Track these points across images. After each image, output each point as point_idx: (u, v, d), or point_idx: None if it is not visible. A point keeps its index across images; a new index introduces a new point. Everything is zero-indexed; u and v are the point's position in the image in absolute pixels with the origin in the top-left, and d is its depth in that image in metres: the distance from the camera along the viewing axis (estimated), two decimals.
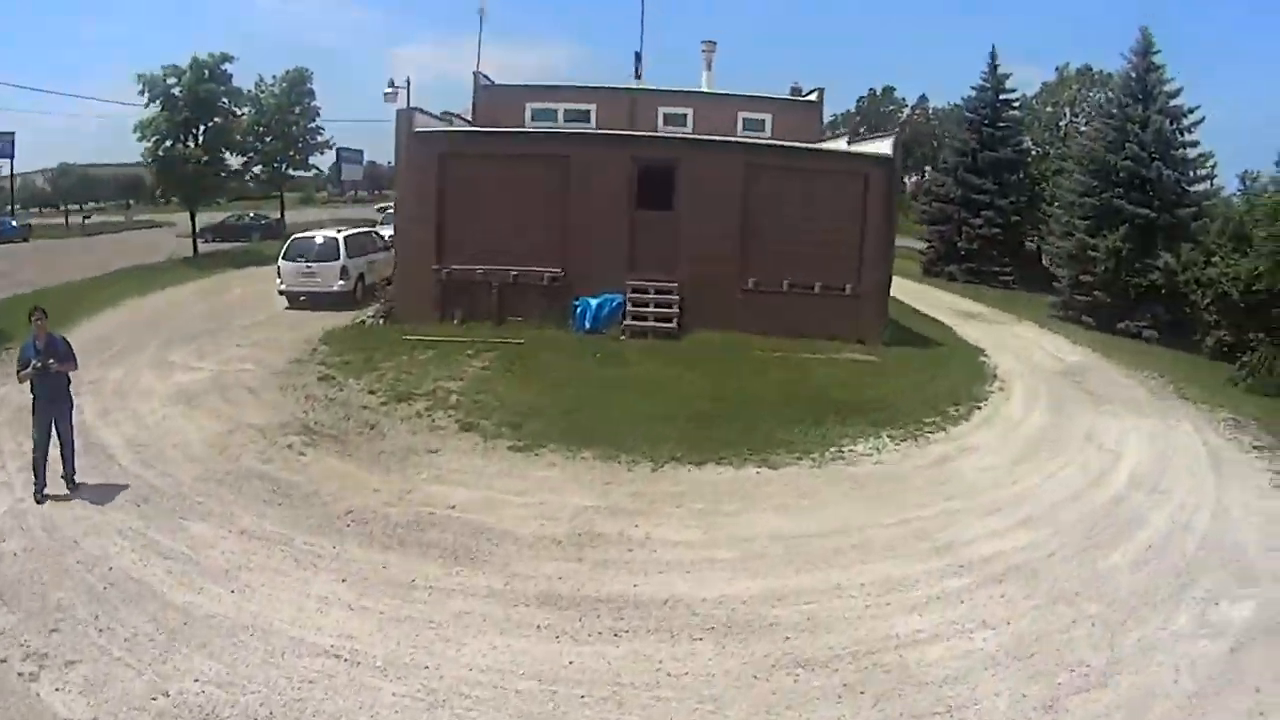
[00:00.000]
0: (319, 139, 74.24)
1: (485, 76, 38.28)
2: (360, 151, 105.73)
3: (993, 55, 63.01)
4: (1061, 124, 75.80)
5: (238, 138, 58.56)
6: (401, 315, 28.98)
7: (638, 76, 39.35)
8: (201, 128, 51.56)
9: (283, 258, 33.50)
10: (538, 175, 28.57)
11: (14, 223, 72.36)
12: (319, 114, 72.83)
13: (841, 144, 34.18)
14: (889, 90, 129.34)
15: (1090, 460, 19.81)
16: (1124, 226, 43.30)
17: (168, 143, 50.23)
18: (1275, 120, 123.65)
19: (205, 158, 51.30)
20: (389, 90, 38.57)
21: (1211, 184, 47.24)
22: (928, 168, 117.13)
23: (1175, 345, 39.68)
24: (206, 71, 50.93)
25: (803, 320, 28.23)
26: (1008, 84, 63.05)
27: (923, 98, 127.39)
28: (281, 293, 33.28)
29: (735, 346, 26.85)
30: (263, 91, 70.02)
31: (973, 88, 63.82)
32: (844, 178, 29.14)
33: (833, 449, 19.08)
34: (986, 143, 60.82)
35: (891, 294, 31.02)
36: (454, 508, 15.23)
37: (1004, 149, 60.89)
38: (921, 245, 65.92)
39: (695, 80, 40.81)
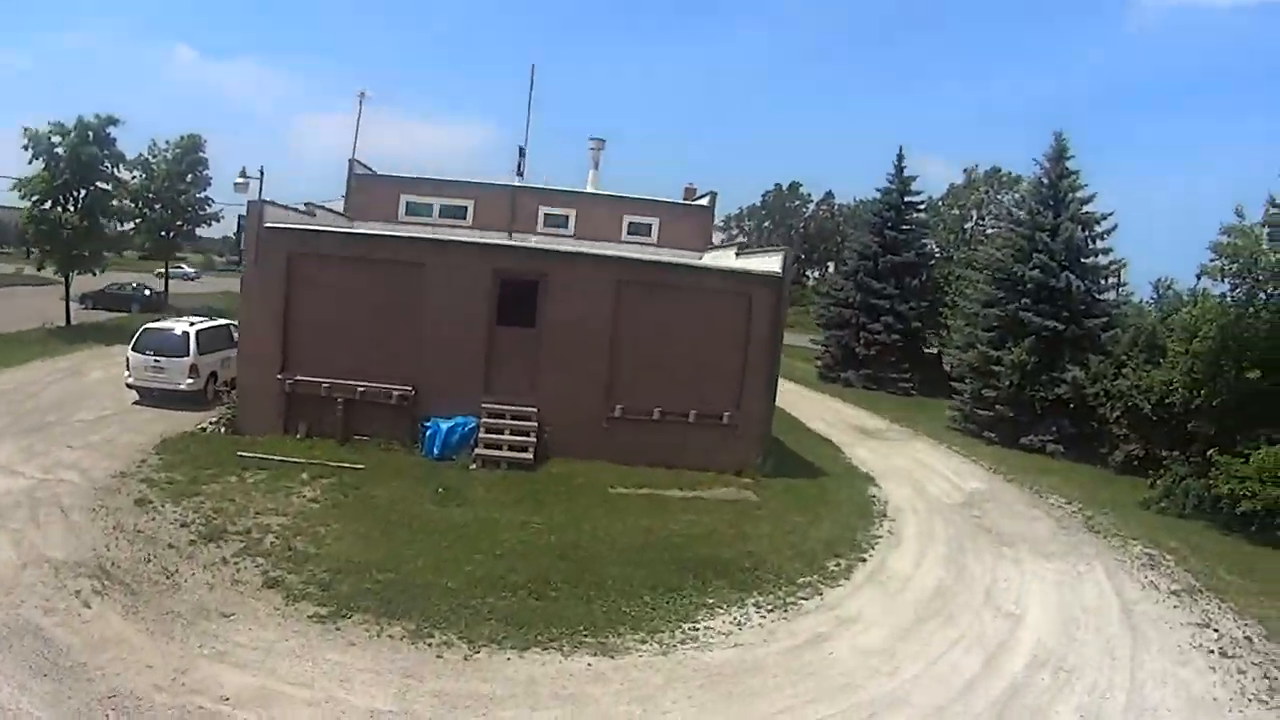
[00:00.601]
0: (208, 210, 71.57)
1: (362, 164, 35.84)
2: (316, 204, 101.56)
3: (899, 156, 62.10)
4: (967, 226, 74.88)
5: (118, 204, 55.38)
6: (244, 424, 26.31)
7: (520, 173, 37.29)
8: (81, 192, 48.63)
9: (132, 348, 30.87)
10: (392, 282, 26.12)
11: None
12: (210, 183, 70.26)
13: (730, 256, 32.02)
14: (795, 186, 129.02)
15: (988, 630, 17.68)
16: (1030, 339, 41.75)
17: (46, 204, 47.58)
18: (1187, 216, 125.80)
19: (84, 223, 48.35)
20: (239, 180, 35.90)
21: (1119, 292, 46.23)
22: (830, 264, 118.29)
23: (1082, 459, 38.78)
24: (90, 134, 48.20)
25: (675, 451, 26.08)
26: (914, 185, 62.32)
27: (829, 194, 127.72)
28: (130, 386, 30.60)
29: (595, 483, 24.33)
30: (154, 156, 67.28)
31: (878, 189, 62.97)
32: (727, 298, 27.05)
33: (686, 625, 16.47)
34: (890, 246, 59.58)
35: (783, 405, 29.33)
36: (227, 700, 12.60)
37: (907, 252, 59.71)
38: (819, 347, 64.39)
39: (584, 177, 38.77)
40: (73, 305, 53.63)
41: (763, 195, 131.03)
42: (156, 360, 30.37)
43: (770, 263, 27.73)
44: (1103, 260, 45.06)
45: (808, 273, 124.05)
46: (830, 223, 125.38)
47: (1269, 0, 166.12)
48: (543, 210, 34.81)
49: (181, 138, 67.64)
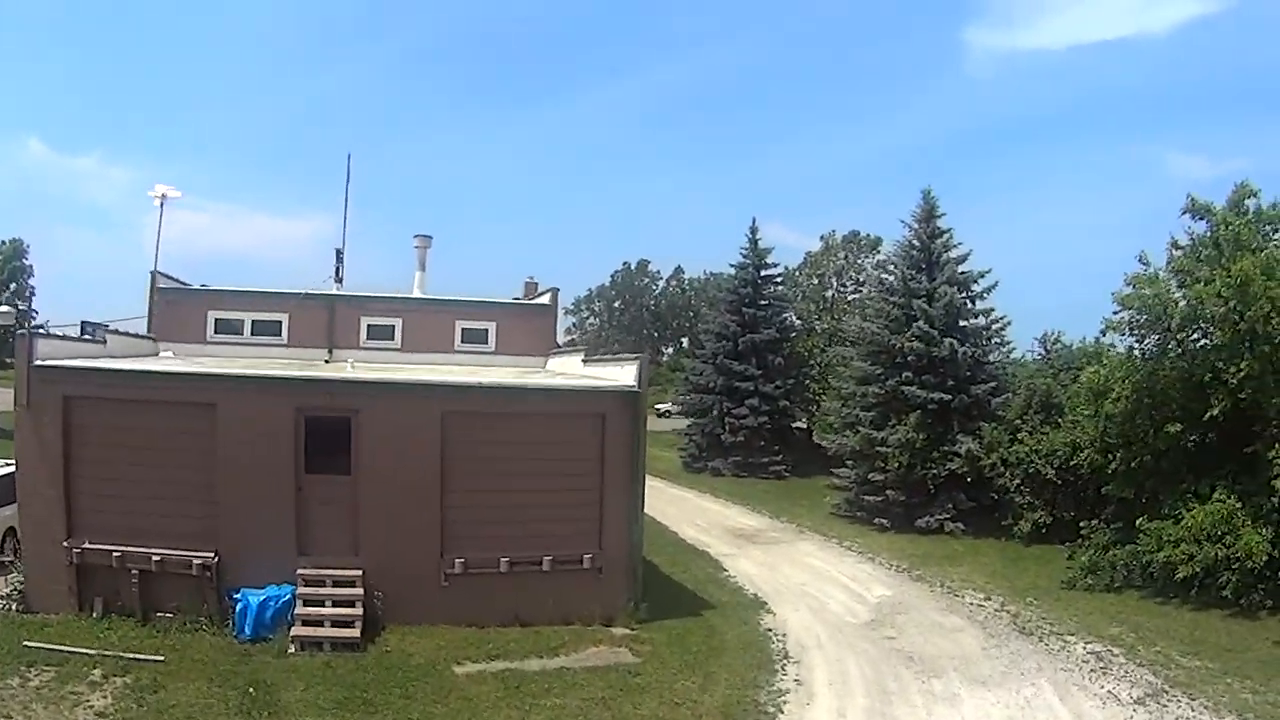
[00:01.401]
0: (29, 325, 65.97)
1: (166, 276, 31.16)
2: (104, 325, 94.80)
3: (753, 229, 59.38)
4: (828, 294, 72.10)
5: None
6: (34, 601, 21.14)
7: (338, 279, 32.92)
8: None
9: None
10: (183, 426, 21.32)
11: None
12: (34, 294, 65.20)
13: (576, 362, 28.00)
14: (643, 264, 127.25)
15: None
16: (916, 414, 39.12)
17: None
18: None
19: None
20: (3, 310, 30.74)
21: (1001, 352, 44.50)
22: (684, 339, 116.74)
23: (984, 533, 36.96)
24: None
25: (531, 604, 21.70)
26: (770, 257, 59.73)
27: (678, 269, 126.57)
28: None
29: (436, 662, 19.41)
30: None
31: (732, 265, 60.18)
32: (576, 420, 23.04)
33: None
34: (749, 324, 56.63)
35: (648, 508, 24.56)
36: None
37: (767, 329, 56.83)
38: (682, 434, 61.23)
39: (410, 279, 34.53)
40: None
41: (611, 275, 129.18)
42: None
43: (624, 373, 23.46)
44: (983, 321, 42.93)
45: (662, 349, 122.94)
46: (681, 297, 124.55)
47: (1104, 39, 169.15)
48: (365, 321, 30.37)
49: (3, 243, 62.81)
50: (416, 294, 32.80)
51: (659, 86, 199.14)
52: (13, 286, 63.55)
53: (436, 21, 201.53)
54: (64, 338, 24.66)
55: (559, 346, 32.30)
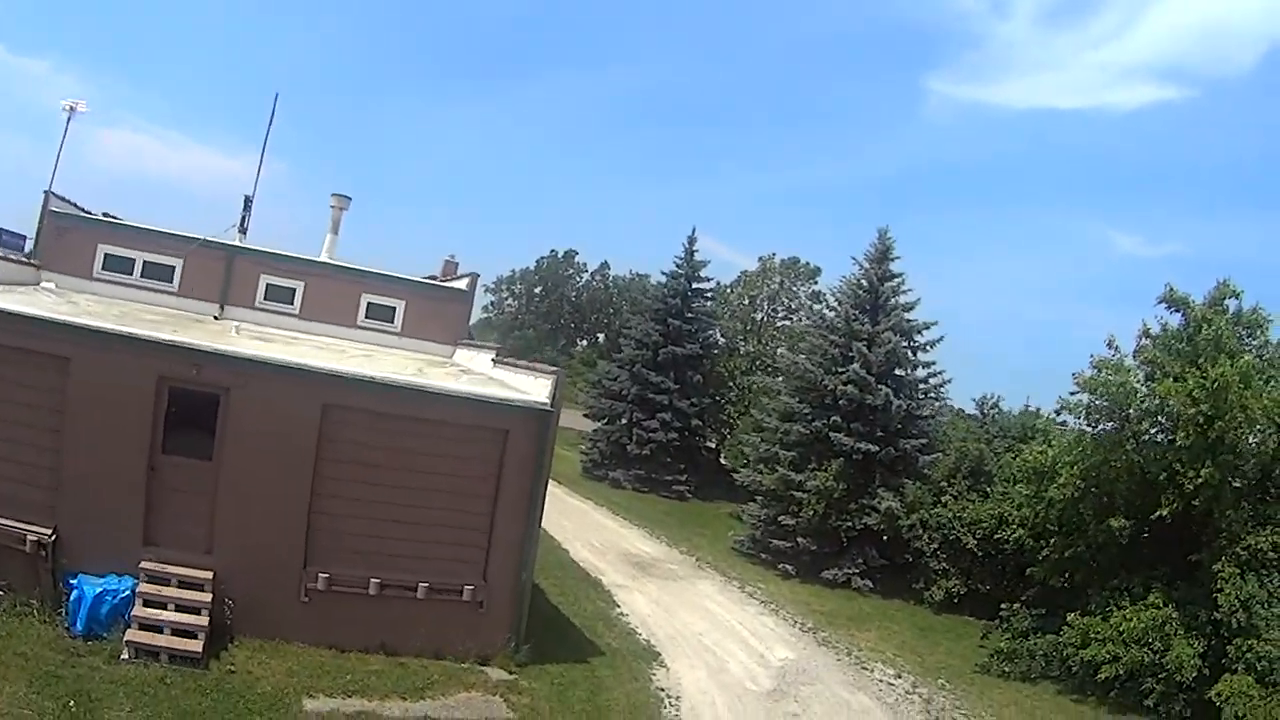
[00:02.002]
0: None
1: (59, 198, 27.95)
2: (23, 236, 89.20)
3: (691, 240, 56.88)
4: (758, 317, 69.63)
5: None
6: None
7: (243, 229, 29.69)
8: None
9: None
10: (29, 379, 18.24)
11: None
12: None
13: (485, 360, 25.22)
14: (570, 254, 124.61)
15: None
16: (839, 461, 37.09)
17: None
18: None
19: None
20: None
21: (936, 406, 42.25)
22: (600, 335, 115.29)
23: (892, 593, 35.45)
24: None
25: (401, 632, 19.02)
26: (704, 271, 57.11)
27: (604, 264, 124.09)
28: None
29: (285, 692, 16.66)
30: None
31: (664, 273, 57.46)
32: (475, 434, 20.06)
33: None
34: (672, 336, 54.07)
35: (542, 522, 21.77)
36: None
37: (691, 344, 54.32)
38: (585, 438, 58.58)
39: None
40: None
41: (537, 261, 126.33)
42: None
43: (536, 386, 20.65)
44: (922, 373, 41.01)
45: (578, 341, 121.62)
46: (604, 293, 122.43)
47: (1065, 108, 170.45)
48: (265, 280, 26.96)
49: None
50: (324, 258, 29.58)
51: (622, 89, 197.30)
52: None
53: None
54: None
55: (470, 338, 29.38)
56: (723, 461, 57.59)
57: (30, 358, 18.23)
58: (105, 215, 30.13)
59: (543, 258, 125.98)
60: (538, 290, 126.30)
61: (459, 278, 29.82)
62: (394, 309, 27.65)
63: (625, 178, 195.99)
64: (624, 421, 54.08)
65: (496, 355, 24.30)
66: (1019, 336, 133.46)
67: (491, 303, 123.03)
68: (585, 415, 58.81)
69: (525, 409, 19.88)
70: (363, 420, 19.18)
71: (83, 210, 28.43)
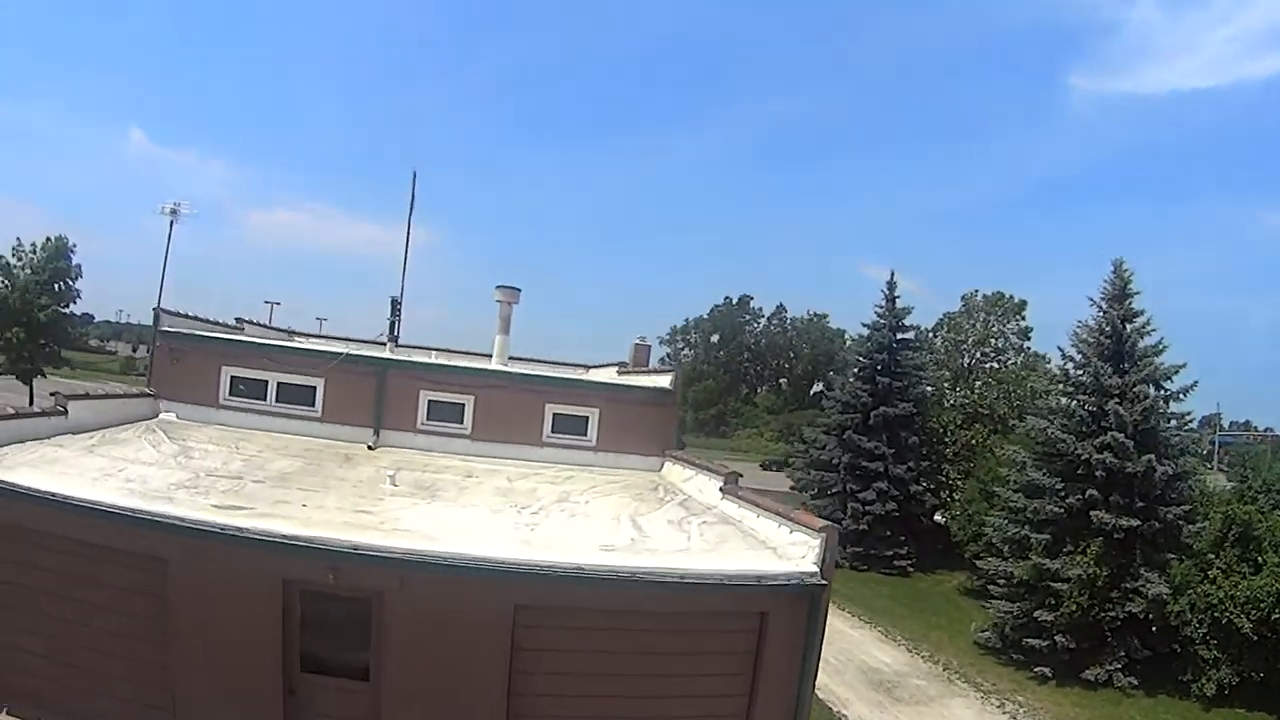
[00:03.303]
0: (73, 330, 60.55)
1: (171, 313, 23.96)
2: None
3: (891, 285, 51.74)
4: (966, 361, 63.35)
5: None
6: None
7: (393, 338, 25.26)
8: None
9: None
10: (128, 581, 14.00)
11: None
12: (78, 298, 59.48)
13: (711, 487, 19.43)
14: (745, 300, 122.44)
15: None
16: (1098, 541, 31.64)
17: None
18: None
19: None
20: None
21: (1194, 464, 35.88)
22: (783, 380, 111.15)
23: (1156, 685, 30.79)
24: None
25: None
26: (905, 318, 51.79)
27: (780, 307, 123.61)
28: None
29: None
30: (19, 259, 57.41)
31: (866, 325, 52.23)
32: (719, 620, 14.69)
33: None
34: (881, 394, 48.57)
35: None
36: None
37: (902, 403, 48.80)
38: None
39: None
40: None
41: (711, 308, 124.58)
42: None
43: (796, 544, 15.09)
44: (1176, 427, 35.09)
45: (758, 389, 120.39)
46: (782, 337, 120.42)
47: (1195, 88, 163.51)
48: (426, 397, 22.44)
49: (47, 239, 56.95)
50: (495, 364, 24.78)
51: (768, 120, 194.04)
52: (58, 286, 57.18)
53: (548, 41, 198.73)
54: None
55: (680, 446, 24.05)
56: (939, 520, 51.48)
57: (129, 560, 13.99)
58: (238, 321, 26.33)
59: (717, 306, 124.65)
60: (714, 338, 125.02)
61: (660, 371, 24.93)
62: (586, 419, 22.98)
63: (772, 212, 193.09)
64: (836, 493, 49.15)
65: (725, 483, 18.92)
66: (1198, 331, 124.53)
67: (668, 354, 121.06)
68: (793, 489, 53.44)
69: (790, 585, 14.35)
70: (571, 618, 14.05)
71: (202, 322, 24.53)
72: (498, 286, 25.56)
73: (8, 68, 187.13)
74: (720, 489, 18.80)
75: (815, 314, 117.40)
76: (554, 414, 22.81)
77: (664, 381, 23.97)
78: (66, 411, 18.84)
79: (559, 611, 13.75)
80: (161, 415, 21.91)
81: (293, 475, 17.42)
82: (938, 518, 51.76)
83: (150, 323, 23.28)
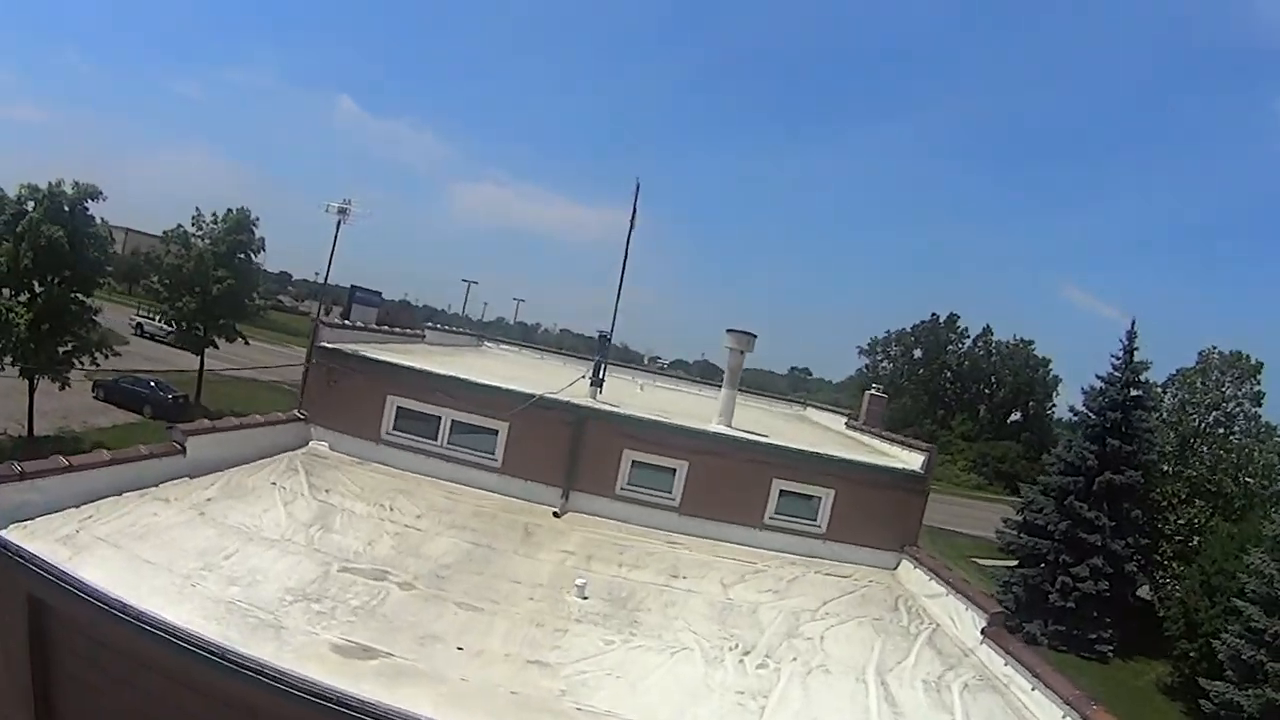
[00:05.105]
0: (255, 301, 59.07)
1: (331, 324, 20.73)
2: (378, 293, 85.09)
3: (1131, 335, 46.26)
4: (1198, 425, 56.84)
5: (86, 301, 43.49)
6: None
7: (598, 382, 21.04)
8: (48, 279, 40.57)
9: None
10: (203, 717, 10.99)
11: None
12: (260, 272, 58.24)
13: (962, 612, 14.98)
14: (952, 319, 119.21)
15: None
16: None
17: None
18: None
19: (45, 325, 39.70)
20: None
21: None
22: (982, 407, 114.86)
23: None
24: (67, 207, 40.53)
25: None
26: (1144, 375, 47.12)
27: (987, 328, 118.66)
28: None
29: None
30: (199, 231, 57.06)
31: (1100, 377, 46.68)
32: None
33: None
34: (1109, 460, 43.30)
35: None
36: None
37: (1131, 471, 43.42)
38: (997, 581, 48.14)
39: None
40: (75, 399, 46.34)
41: (914, 327, 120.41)
42: None
43: None
44: None
45: (956, 414, 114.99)
46: (986, 361, 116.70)
47: None
48: (630, 457, 18.90)
49: (229, 212, 55.22)
50: (717, 425, 20.42)
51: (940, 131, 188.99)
52: (239, 258, 56.00)
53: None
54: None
55: (916, 545, 19.53)
56: (1144, 596, 45.99)
57: (200, 689, 10.69)
58: (429, 326, 22.81)
59: (921, 323, 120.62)
60: (916, 354, 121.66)
61: (903, 442, 20.88)
62: (818, 501, 19.19)
63: (964, 225, 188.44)
64: (1048, 563, 44.70)
65: (989, 624, 14.63)
66: None
67: (865, 366, 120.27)
68: (1001, 551, 48.37)
69: None
70: None
71: (377, 332, 21.42)
72: (728, 331, 21.00)
73: (230, 33, 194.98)
74: (982, 632, 14.72)
75: (1021, 340, 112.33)
76: (780, 490, 18.87)
77: (915, 463, 19.82)
78: (185, 450, 15.52)
79: None
80: (312, 444, 19.29)
81: (454, 568, 14.21)
82: (1143, 591, 46.57)
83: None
